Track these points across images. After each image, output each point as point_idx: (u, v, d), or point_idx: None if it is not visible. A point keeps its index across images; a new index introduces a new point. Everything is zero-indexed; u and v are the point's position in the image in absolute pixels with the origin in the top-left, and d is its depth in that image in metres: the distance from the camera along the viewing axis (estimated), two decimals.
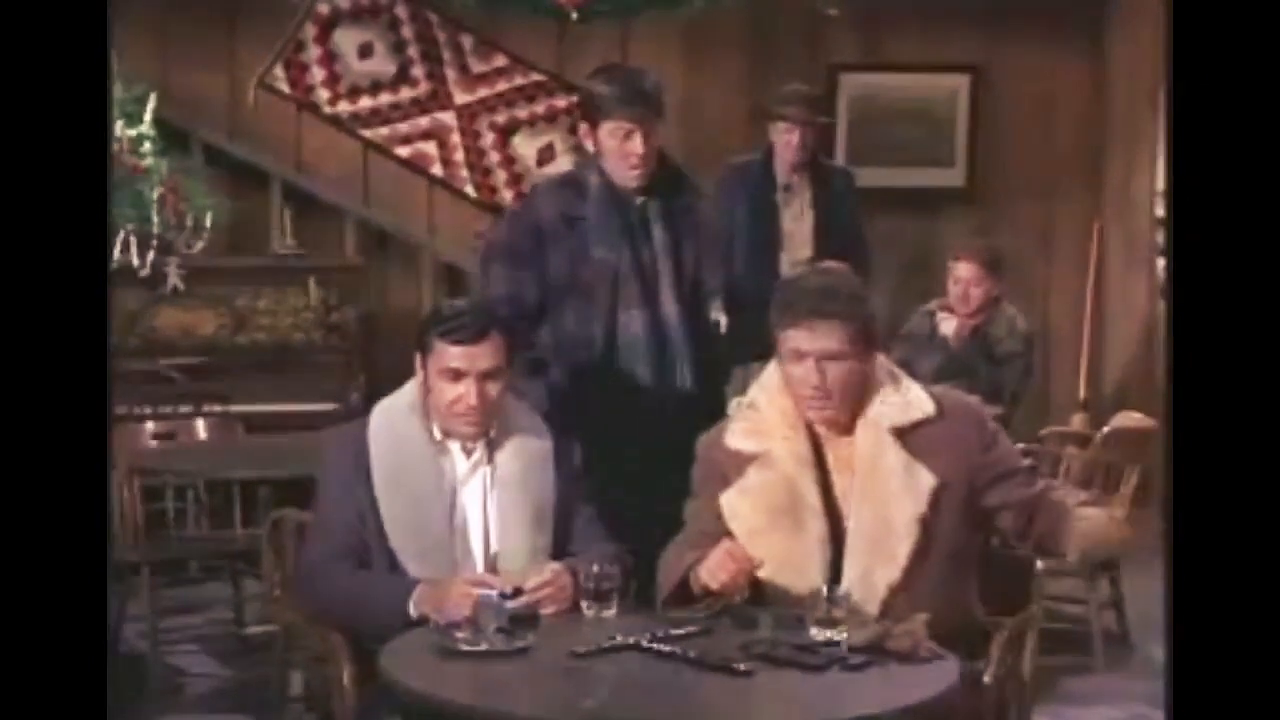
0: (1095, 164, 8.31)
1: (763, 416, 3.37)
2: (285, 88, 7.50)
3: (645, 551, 3.43)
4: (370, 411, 3.57)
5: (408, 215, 7.88)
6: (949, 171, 8.22)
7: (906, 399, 3.32)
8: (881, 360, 3.38)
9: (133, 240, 5.30)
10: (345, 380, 7.03)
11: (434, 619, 3.12)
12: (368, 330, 7.41)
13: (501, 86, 7.71)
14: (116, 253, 5.17)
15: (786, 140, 6.19)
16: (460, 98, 7.68)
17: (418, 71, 7.64)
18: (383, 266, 7.88)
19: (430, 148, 7.66)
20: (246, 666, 5.37)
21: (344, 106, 7.58)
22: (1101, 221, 8.11)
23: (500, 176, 7.71)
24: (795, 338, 3.25)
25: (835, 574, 3.23)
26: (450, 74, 7.66)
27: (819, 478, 3.30)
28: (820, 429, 3.33)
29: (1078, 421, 7.38)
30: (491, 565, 3.39)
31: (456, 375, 3.38)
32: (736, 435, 3.38)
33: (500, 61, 7.71)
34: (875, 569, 3.21)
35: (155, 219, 5.28)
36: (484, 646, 2.98)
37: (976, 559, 3.37)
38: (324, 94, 7.55)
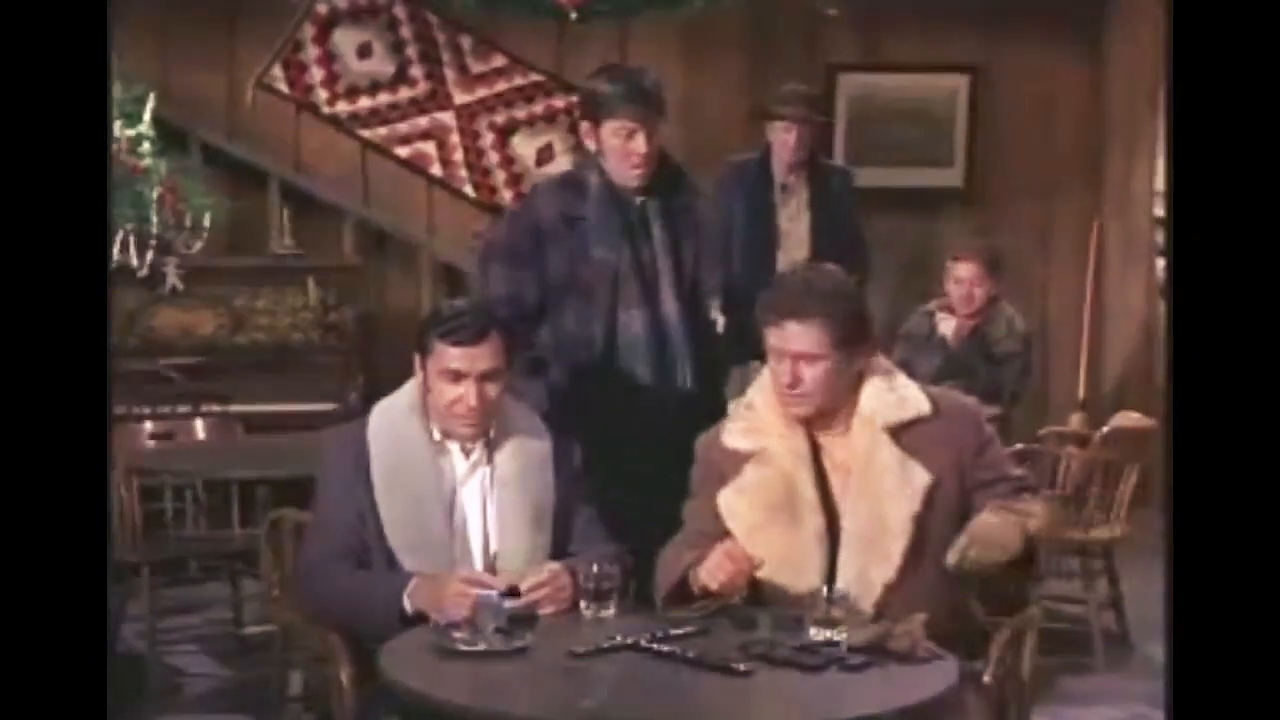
0: (1094, 164, 8.31)
1: (760, 415, 3.37)
2: (284, 88, 7.50)
3: (645, 551, 3.43)
4: (369, 411, 3.57)
5: (406, 215, 7.88)
6: (948, 171, 8.22)
7: (902, 397, 3.32)
8: (881, 362, 3.39)
9: (131, 240, 5.30)
10: (344, 380, 7.03)
11: (433, 617, 3.12)
12: (366, 330, 7.41)
13: (500, 87, 7.71)
14: (115, 253, 5.17)
15: (784, 139, 6.19)
16: (459, 98, 7.68)
17: (416, 71, 7.64)
18: (381, 266, 7.88)
19: (429, 148, 7.66)
20: (245, 666, 5.37)
21: (343, 106, 7.58)
22: (1100, 221, 8.11)
23: (499, 177, 7.71)
24: (774, 335, 3.27)
25: (832, 571, 3.23)
26: (449, 74, 7.66)
27: (816, 475, 3.31)
28: (817, 427, 3.33)
29: (1076, 421, 7.37)
30: (491, 565, 3.39)
31: (456, 376, 3.38)
32: (733, 434, 3.39)
33: (499, 62, 7.71)
34: (870, 568, 3.21)
35: (154, 219, 5.27)
36: (482, 646, 2.98)
37: None
38: (323, 94, 7.55)
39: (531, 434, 3.53)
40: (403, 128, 7.64)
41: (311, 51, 7.52)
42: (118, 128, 5.17)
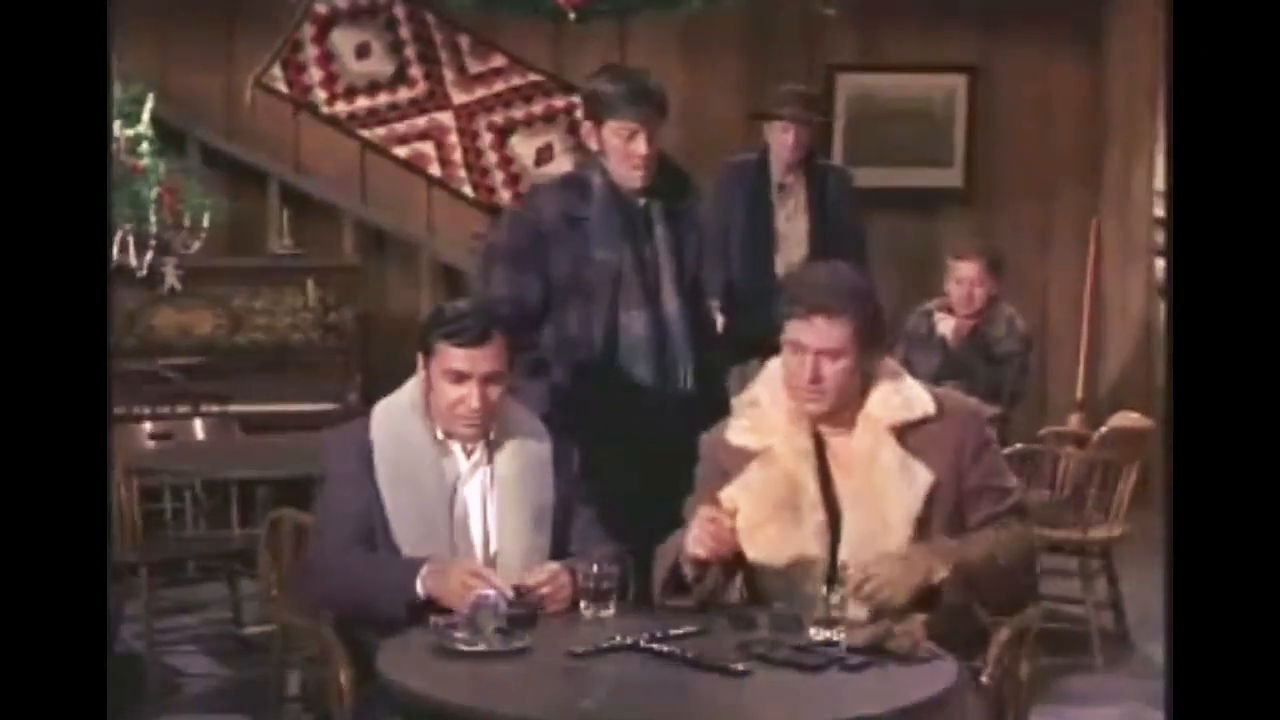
0: (1093, 164, 8.31)
1: (765, 413, 3.37)
2: (283, 88, 7.51)
3: (645, 552, 3.43)
4: (368, 411, 3.57)
5: (405, 215, 7.88)
6: (946, 171, 8.22)
7: (907, 398, 3.33)
8: (889, 363, 3.39)
9: (130, 240, 5.30)
10: (343, 380, 7.03)
11: (432, 619, 3.12)
12: (365, 330, 7.41)
13: (499, 87, 7.72)
14: (114, 253, 5.17)
15: (783, 139, 6.19)
16: (458, 98, 7.68)
17: (415, 72, 7.64)
18: (380, 267, 7.88)
19: (428, 148, 7.67)
20: (244, 666, 5.37)
21: (341, 107, 7.59)
22: (1099, 221, 8.12)
23: (498, 177, 7.71)
24: (797, 329, 3.26)
25: (833, 568, 3.23)
26: (448, 74, 7.66)
27: (819, 472, 3.31)
28: (822, 425, 3.33)
29: (1075, 421, 7.38)
30: (490, 565, 3.39)
31: (459, 377, 3.39)
32: (738, 432, 3.39)
33: (498, 62, 7.72)
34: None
35: (153, 219, 5.28)
36: (482, 647, 2.98)
37: None
38: (321, 94, 7.56)
39: (532, 435, 3.53)
40: (401, 128, 7.64)
41: (310, 51, 7.53)
42: (116, 128, 5.17)
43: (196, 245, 5.54)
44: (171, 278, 5.85)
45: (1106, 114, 8.25)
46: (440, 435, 3.46)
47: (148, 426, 5.77)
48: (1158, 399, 7.09)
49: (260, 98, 7.48)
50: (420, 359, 3.47)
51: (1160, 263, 7.58)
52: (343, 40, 7.58)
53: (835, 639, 2.99)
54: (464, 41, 7.67)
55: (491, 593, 3.08)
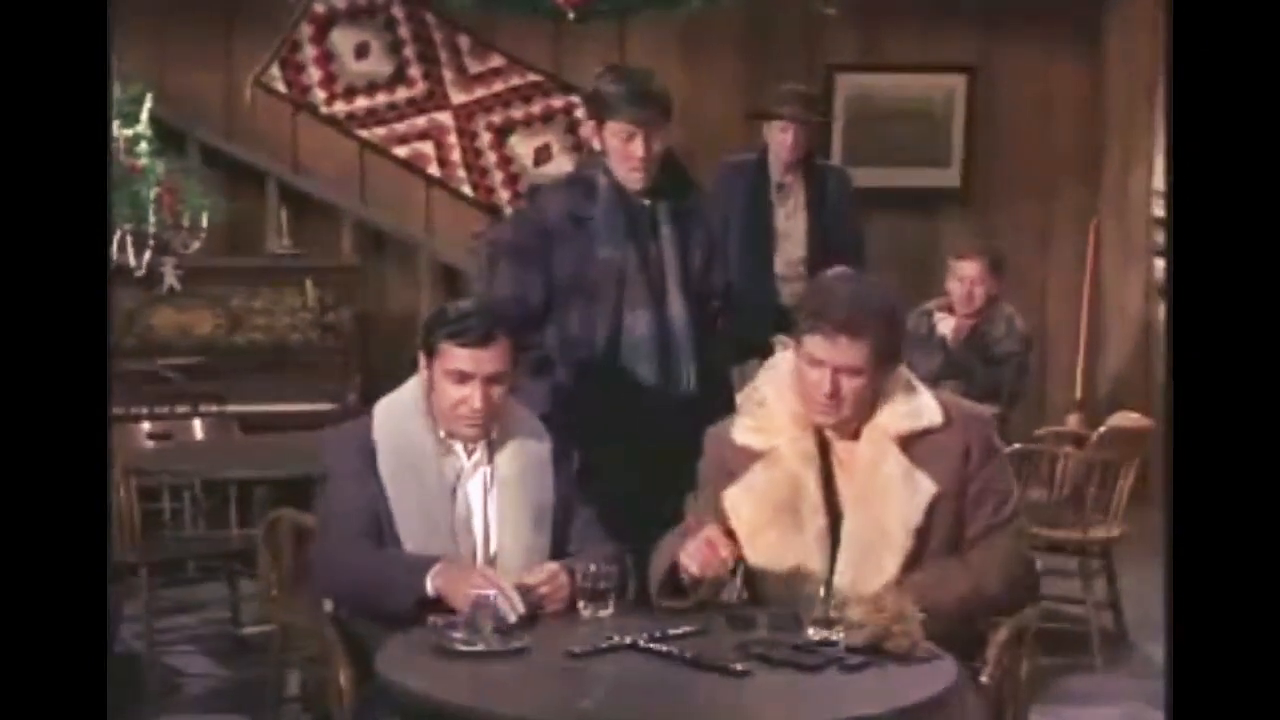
0: (1092, 164, 8.31)
1: (771, 414, 3.35)
2: (282, 88, 7.51)
3: (646, 552, 3.43)
4: (367, 411, 3.57)
5: (404, 215, 7.88)
6: (945, 171, 8.23)
7: (915, 407, 3.29)
8: (902, 371, 3.35)
9: (129, 240, 5.30)
10: (342, 380, 7.03)
11: (434, 617, 3.11)
12: (364, 330, 7.41)
13: (498, 87, 7.72)
14: (113, 253, 5.17)
15: (781, 139, 6.19)
16: (457, 98, 7.68)
17: (414, 72, 7.64)
18: (379, 266, 7.88)
19: (427, 148, 7.67)
20: (243, 667, 5.37)
21: (340, 106, 7.59)
22: (1098, 221, 8.12)
23: (497, 177, 7.72)
24: (818, 345, 3.22)
25: (832, 572, 3.23)
26: (447, 74, 7.67)
27: (823, 477, 3.30)
28: (828, 429, 3.32)
29: (1074, 421, 7.38)
30: (490, 564, 3.40)
31: (462, 378, 3.39)
32: (743, 431, 3.37)
33: (497, 62, 7.72)
34: (864, 580, 3.18)
35: (152, 219, 5.28)
36: (481, 647, 2.98)
37: None
38: (320, 94, 7.56)
39: (532, 435, 3.53)
40: (400, 128, 7.65)
41: (309, 51, 7.53)
42: (115, 128, 5.17)
43: (195, 245, 5.55)
44: (170, 278, 5.85)
45: (1105, 114, 8.25)
46: (442, 434, 3.47)
47: (146, 426, 5.77)
48: (1156, 398, 7.10)
49: (259, 97, 7.48)
50: (422, 359, 3.48)
51: (1159, 262, 7.58)
52: (342, 40, 7.58)
53: (834, 639, 2.99)
54: (463, 41, 7.68)
55: (491, 592, 3.08)
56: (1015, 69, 8.17)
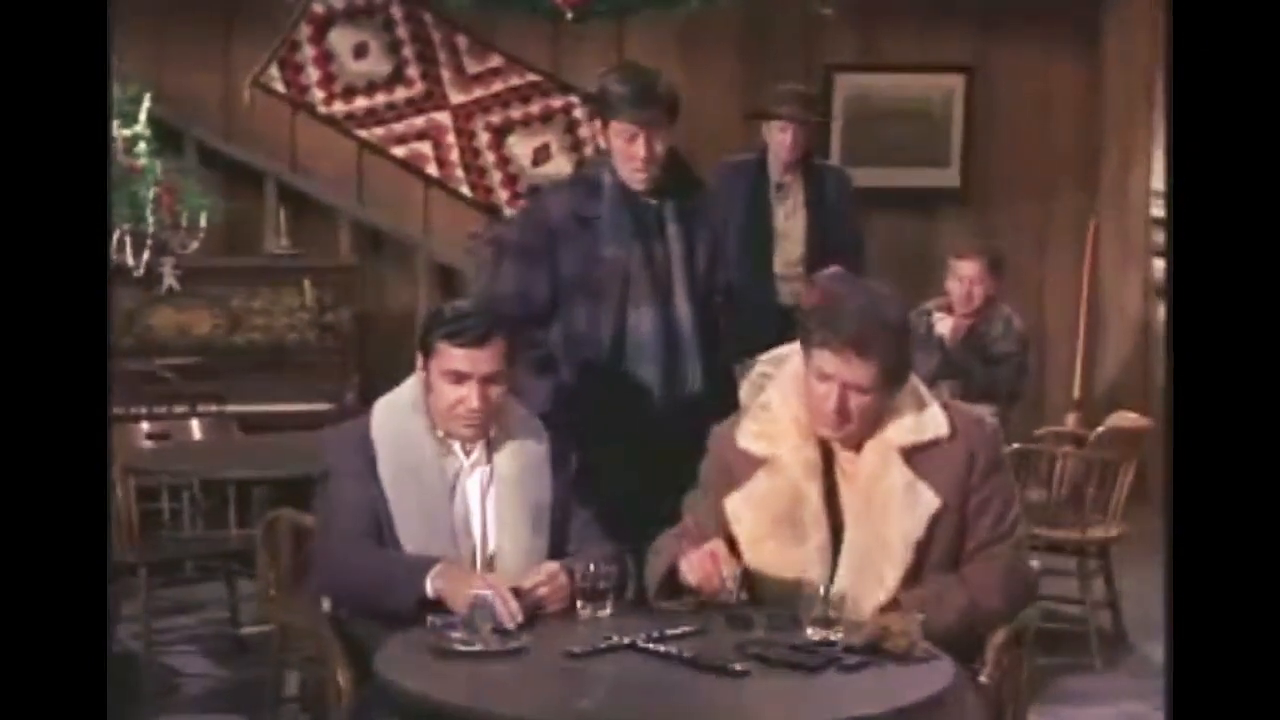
0: (1090, 164, 8.31)
1: (775, 419, 3.34)
2: (280, 88, 7.50)
3: (646, 552, 3.43)
4: (365, 411, 3.58)
5: (403, 215, 7.88)
6: (944, 171, 8.22)
7: (920, 418, 3.27)
8: (911, 382, 3.32)
9: (128, 240, 5.30)
10: (340, 380, 7.03)
11: (433, 617, 3.11)
12: (362, 330, 7.41)
13: (497, 87, 7.71)
14: (111, 253, 5.16)
15: (780, 139, 6.19)
16: (456, 98, 7.67)
17: (413, 72, 7.63)
18: (377, 267, 7.88)
19: (425, 148, 7.66)
20: (241, 667, 5.37)
21: (339, 106, 7.58)
22: (1097, 221, 8.12)
23: (495, 177, 7.71)
24: (827, 360, 3.20)
25: (832, 577, 3.22)
26: (445, 74, 7.66)
27: (825, 487, 3.28)
28: (833, 440, 3.30)
29: (1072, 421, 7.38)
30: (489, 564, 3.40)
31: (459, 378, 3.40)
32: (747, 435, 3.35)
33: (495, 62, 7.71)
34: (864, 590, 3.18)
35: (150, 219, 5.28)
36: (479, 647, 2.98)
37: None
38: (319, 94, 7.55)
39: (530, 435, 3.53)
40: (399, 128, 7.64)
41: (308, 51, 7.52)
42: (114, 128, 5.16)
43: (194, 245, 5.55)
44: (169, 278, 5.85)
45: (1104, 114, 8.25)
46: (440, 434, 3.47)
47: (145, 426, 5.77)
48: (1155, 398, 7.10)
49: (258, 98, 7.47)
50: (420, 359, 3.48)
51: (1158, 262, 7.58)
52: (340, 40, 7.57)
53: (833, 639, 2.99)
54: (462, 41, 7.67)
55: (489, 593, 3.08)
56: (1014, 69, 8.17)
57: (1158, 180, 7.60)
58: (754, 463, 3.31)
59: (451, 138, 7.67)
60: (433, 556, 3.29)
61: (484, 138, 7.69)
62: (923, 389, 3.35)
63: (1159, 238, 7.49)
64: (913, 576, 3.21)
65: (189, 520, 6.00)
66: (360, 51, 7.58)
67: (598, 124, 4.35)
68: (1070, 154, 8.32)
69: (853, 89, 8.10)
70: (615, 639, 3.00)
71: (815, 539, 3.25)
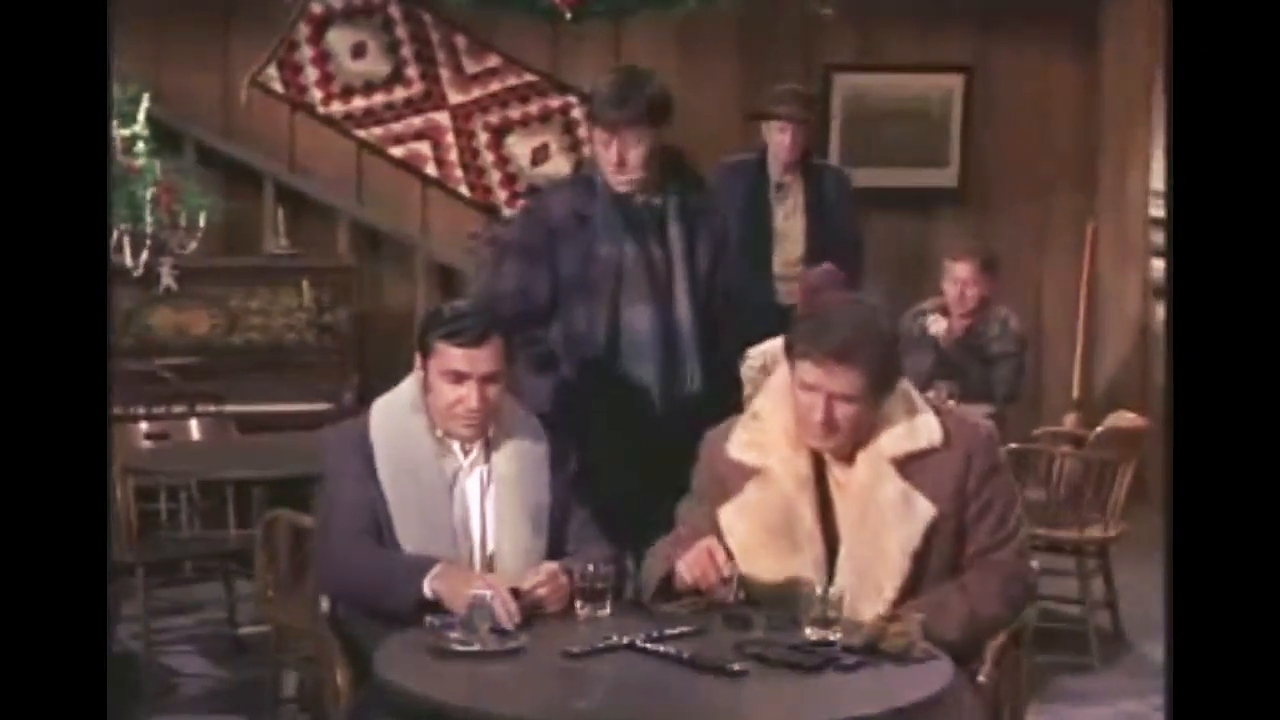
0: (1089, 164, 8.31)
1: (765, 429, 3.33)
2: (279, 88, 7.50)
3: (644, 553, 3.43)
4: (364, 411, 3.58)
5: (401, 215, 7.87)
6: (943, 172, 8.22)
7: (913, 426, 3.25)
8: (902, 388, 3.30)
9: (126, 240, 5.30)
10: (339, 380, 7.03)
11: (432, 617, 3.11)
12: (361, 330, 7.40)
13: (495, 87, 7.71)
14: (110, 253, 5.16)
15: (780, 139, 6.20)
16: (454, 98, 7.67)
17: (411, 71, 7.63)
18: (376, 267, 7.87)
19: (424, 148, 7.66)
20: (240, 667, 5.37)
21: (338, 106, 7.58)
22: (1095, 222, 8.12)
23: (494, 177, 7.71)
24: (811, 373, 3.19)
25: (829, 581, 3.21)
26: (444, 74, 7.66)
27: (818, 499, 3.27)
28: (824, 451, 3.28)
29: (1071, 421, 7.37)
30: (488, 564, 3.40)
31: (458, 377, 3.40)
32: (738, 445, 3.34)
33: (494, 62, 7.71)
34: (862, 602, 3.16)
35: (149, 219, 5.28)
36: (477, 647, 2.98)
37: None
38: (318, 94, 7.55)
39: (529, 435, 3.54)
40: (398, 128, 7.64)
41: (306, 51, 7.52)
42: (113, 128, 5.16)
43: (192, 245, 5.54)
44: (167, 278, 5.83)
45: (1103, 114, 8.25)
46: (438, 434, 3.47)
47: (144, 426, 5.77)
48: (1154, 398, 7.10)
49: (256, 98, 7.47)
50: (418, 359, 3.48)
51: (1157, 263, 7.58)
52: (339, 40, 7.57)
53: (831, 639, 2.99)
54: (460, 41, 7.67)
55: (487, 593, 3.08)
56: (1013, 69, 8.17)
57: (1156, 180, 7.60)
58: (745, 473, 3.30)
59: (450, 138, 7.67)
60: (432, 557, 3.29)
61: (483, 138, 7.69)
62: (914, 394, 3.34)
63: (1158, 238, 7.50)
64: (911, 586, 3.19)
65: (187, 520, 6.01)
66: (359, 51, 7.58)
67: (589, 125, 4.37)
68: (1069, 154, 8.32)
69: (851, 89, 8.10)
70: (614, 639, 3.00)
71: (810, 551, 3.23)
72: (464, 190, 7.71)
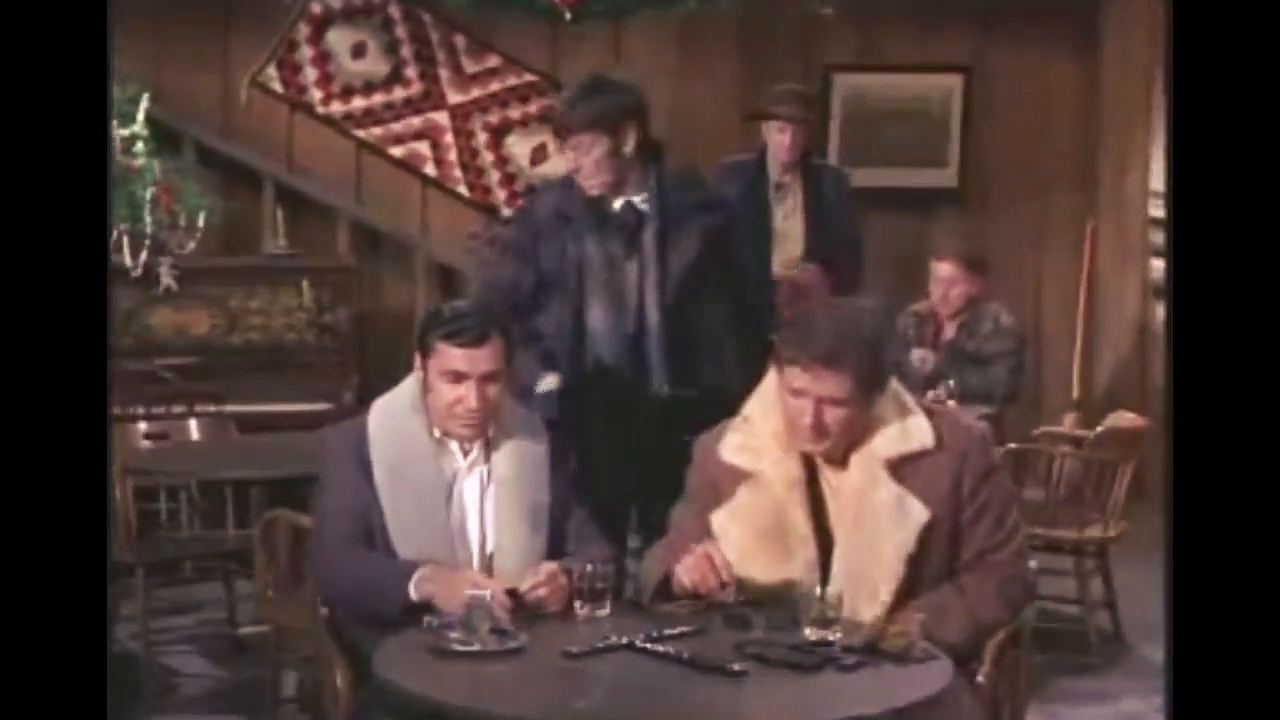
0: (1088, 164, 8.31)
1: (757, 433, 3.32)
2: (278, 88, 7.50)
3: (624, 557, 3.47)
4: (363, 411, 3.58)
5: (401, 215, 7.87)
6: (942, 172, 8.22)
7: (905, 429, 3.25)
8: (892, 389, 3.30)
9: (126, 240, 5.29)
10: (338, 380, 7.03)
11: (430, 616, 3.11)
12: (360, 330, 7.40)
13: (495, 87, 7.71)
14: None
15: (779, 139, 6.20)
16: (454, 98, 7.67)
17: (411, 71, 7.63)
18: (376, 267, 7.87)
19: (423, 148, 7.66)
20: (240, 667, 5.37)
21: (337, 106, 7.58)
22: (1095, 221, 8.12)
23: (493, 177, 7.71)
24: (799, 378, 3.19)
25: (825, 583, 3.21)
26: (444, 74, 7.66)
27: (811, 502, 3.26)
28: (816, 453, 3.28)
29: (1071, 421, 7.37)
30: (487, 564, 3.40)
31: (457, 377, 3.40)
32: (730, 449, 3.34)
33: (493, 62, 7.71)
34: (857, 608, 3.15)
35: (148, 219, 5.27)
36: (477, 647, 2.98)
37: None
38: (317, 94, 7.55)
39: (529, 435, 3.54)
40: (397, 128, 7.64)
41: (306, 51, 7.52)
42: (113, 128, 5.16)
43: (192, 245, 5.54)
44: (167, 278, 5.83)
45: (1102, 114, 8.25)
46: (438, 434, 3.47)
47: (143, 426, 5.77)
48: (1153, 399, 7.10)
49: (256, 98, 7.47)
50: (418, 359, 3.48)
51: (1156, 263, 7.58)
52: (338, 40, 7.57)
53: (831, 639, 2.99)
54: (460, 41, 7.67)
55: (486, 592, 3.08)
56: (1012, 69, 8.17)
57: (1156, 180, 7.60)
58: (738, 476, 3.30)
59: (449, 138, 7.67)
60: (415, 561, 3.29)
61: (482, 138, 7.69)
62: (905, 396, 3.33)
63: (1157, 238, 7.50)
64: (907, 590, 3.19)
65: (187, 520, 6.01)
66: (358, 51, 7.58)
67: None
68: (1068, 154, 8.32)
69: (851, 89, 8.09)
70: (613, 639, 3.00)
71: (803, 556, 3.23)
72: (463, 190, 7.71)
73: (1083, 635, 5.49)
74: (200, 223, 5.50)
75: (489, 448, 3.48)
